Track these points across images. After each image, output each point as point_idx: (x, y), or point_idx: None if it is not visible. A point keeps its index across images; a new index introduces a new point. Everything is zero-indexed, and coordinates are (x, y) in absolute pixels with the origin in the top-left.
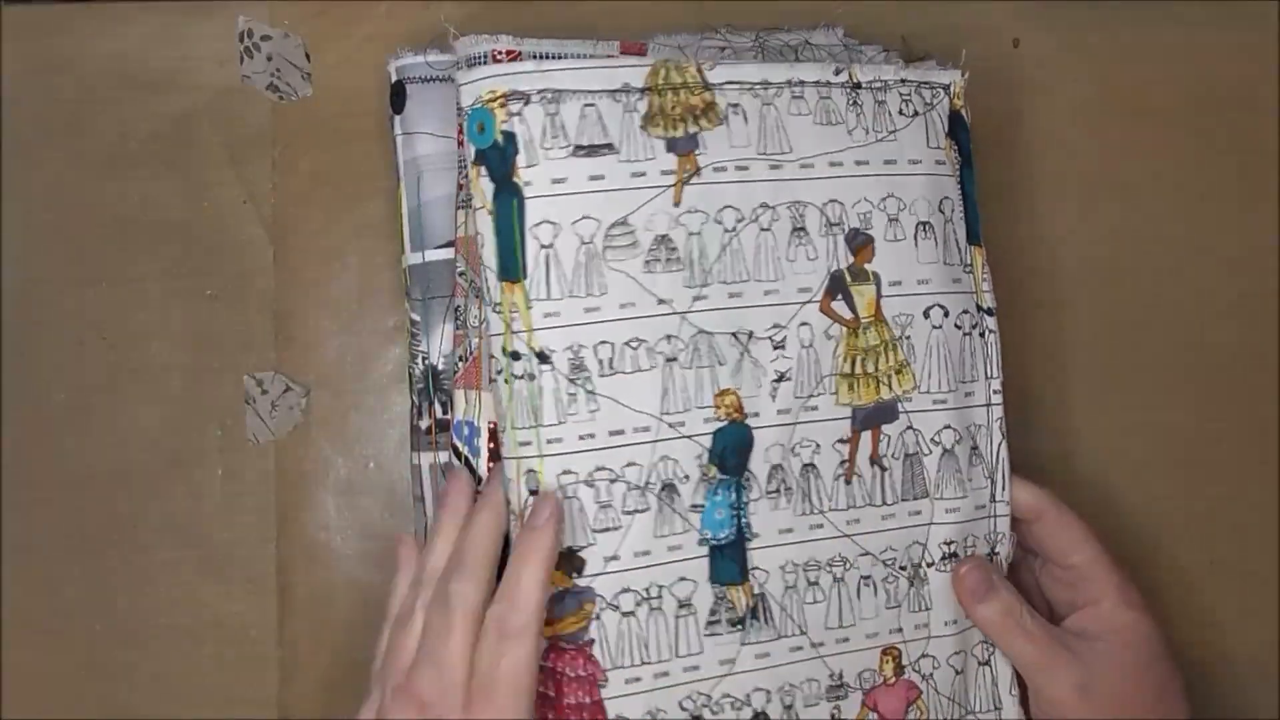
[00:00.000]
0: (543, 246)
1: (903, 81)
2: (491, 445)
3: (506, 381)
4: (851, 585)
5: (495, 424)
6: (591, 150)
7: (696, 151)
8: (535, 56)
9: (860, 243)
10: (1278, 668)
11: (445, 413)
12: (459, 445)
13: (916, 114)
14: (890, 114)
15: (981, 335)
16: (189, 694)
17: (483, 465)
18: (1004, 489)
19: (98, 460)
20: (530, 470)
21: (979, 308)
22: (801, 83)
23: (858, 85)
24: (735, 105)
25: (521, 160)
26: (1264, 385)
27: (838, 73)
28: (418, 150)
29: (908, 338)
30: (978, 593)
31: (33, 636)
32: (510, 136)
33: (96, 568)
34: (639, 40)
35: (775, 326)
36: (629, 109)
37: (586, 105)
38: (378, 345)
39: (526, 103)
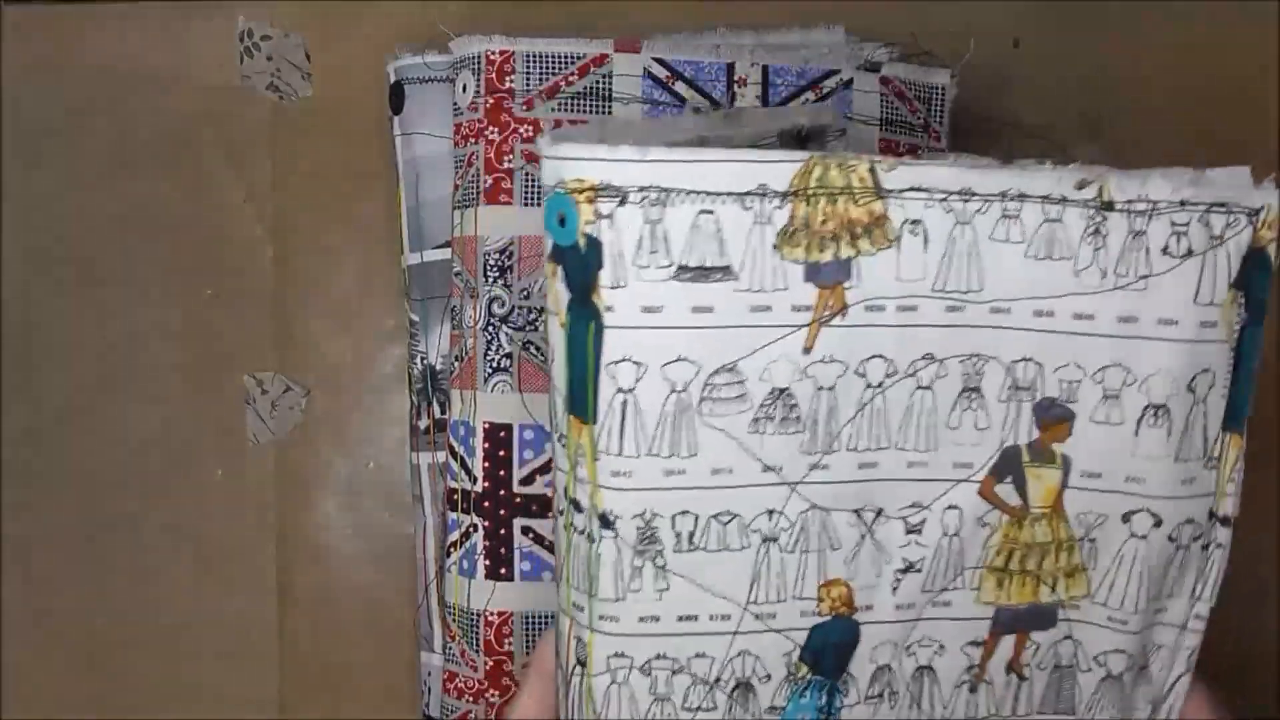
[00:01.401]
0: (620, 390)
1: (1181, 205)
2: (486, 445)
3: (566, 529)
4: None
5: (490, 424)
6: (701, 273)
7: (846, 284)
8: (528, 56)
9: (1055, 417)
10: (1277, 665)
11: (444, 413)
12: (455, 445)
13: (1190, 253)
14: (1148, 251)
15: (1204, 548)
16: (189, 694)
17: (478, 465)
18: None
19: (98, 460)
20: (579, 639)
21: (1212, 514)
22: (1023, 196)
23: (1108, 205)
24: (916, 222)
25: (606, 277)
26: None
27: (1081, 186)
28: (416, 150)
29: (1092, 540)
30: None
31: (33, 636)
32: (595, 244)
33: (96, 568)
34: (634, 39)
35: (914, 506)
36: (761, 220)
37: (703, 212)
38: (378, 345)
39: (622, 202)
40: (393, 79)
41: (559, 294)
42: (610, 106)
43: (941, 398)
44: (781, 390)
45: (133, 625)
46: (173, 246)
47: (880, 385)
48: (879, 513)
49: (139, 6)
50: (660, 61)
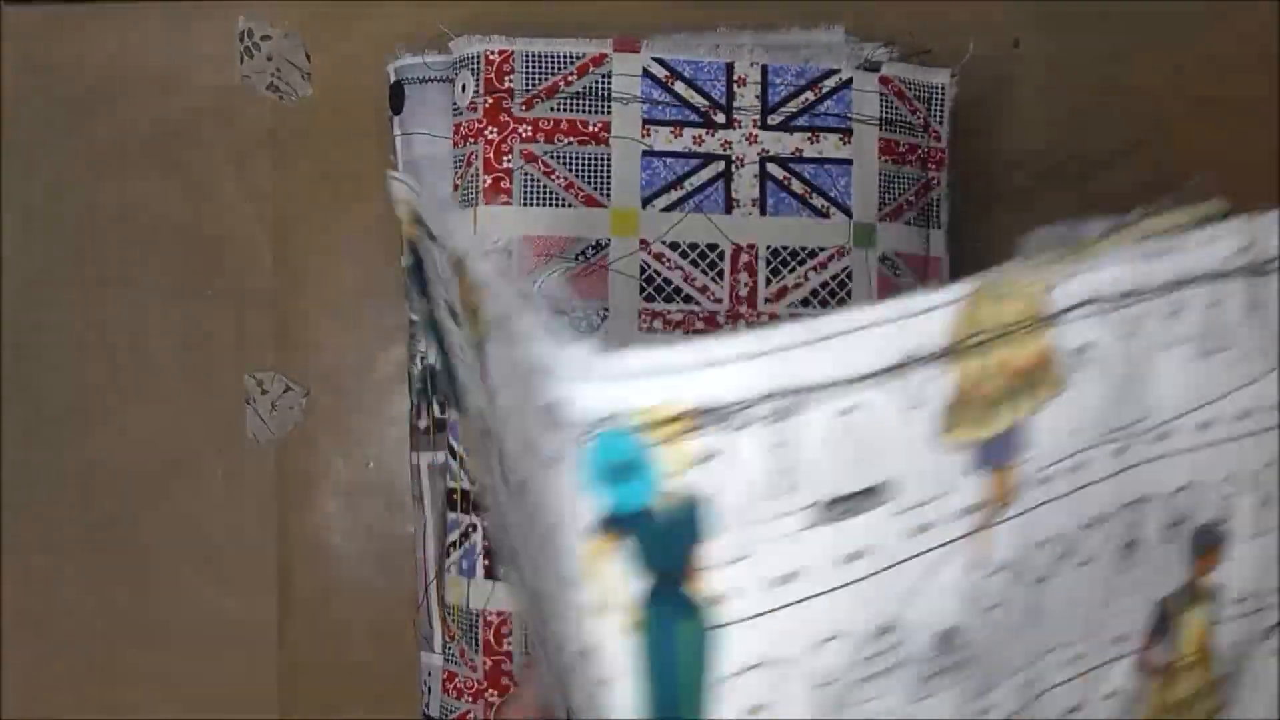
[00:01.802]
0: (752, 710)
1: None
2: None
3: None
4: None
5: None
6: (852, 505)
7: (1018, 459)
8: (527, 55)
9: (1208, 543)
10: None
11: (444, 413)
12: (454, 445)
13: None
14: None
15: None
16: (189, 694)
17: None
18: None
19: (98, 460)
20: None
21: None
22: (1189, 280)
23: (1259, 270)
24: (1083, 350)
25: (718, 553)
26: None
27: (1243, 251)
28: (416, 150)
29: (1234, 674)
30: None
31: (33, 636)
32: (691, 506)
33: (96, 568)
34: (634, 39)
35: (1070, 711)
36: (917, 404)
37: (845, 413)
38: (378, 345)
39: (737, 428)
40: (393, 79)
41: (620, 588)
42: (610, 106)
43: (1102, 568)
44: (947, 632)
45: (133, 625)
46: (173, 246)
47: (1046, 578)
48: None
49: (139, 6)
50: (659, 61)
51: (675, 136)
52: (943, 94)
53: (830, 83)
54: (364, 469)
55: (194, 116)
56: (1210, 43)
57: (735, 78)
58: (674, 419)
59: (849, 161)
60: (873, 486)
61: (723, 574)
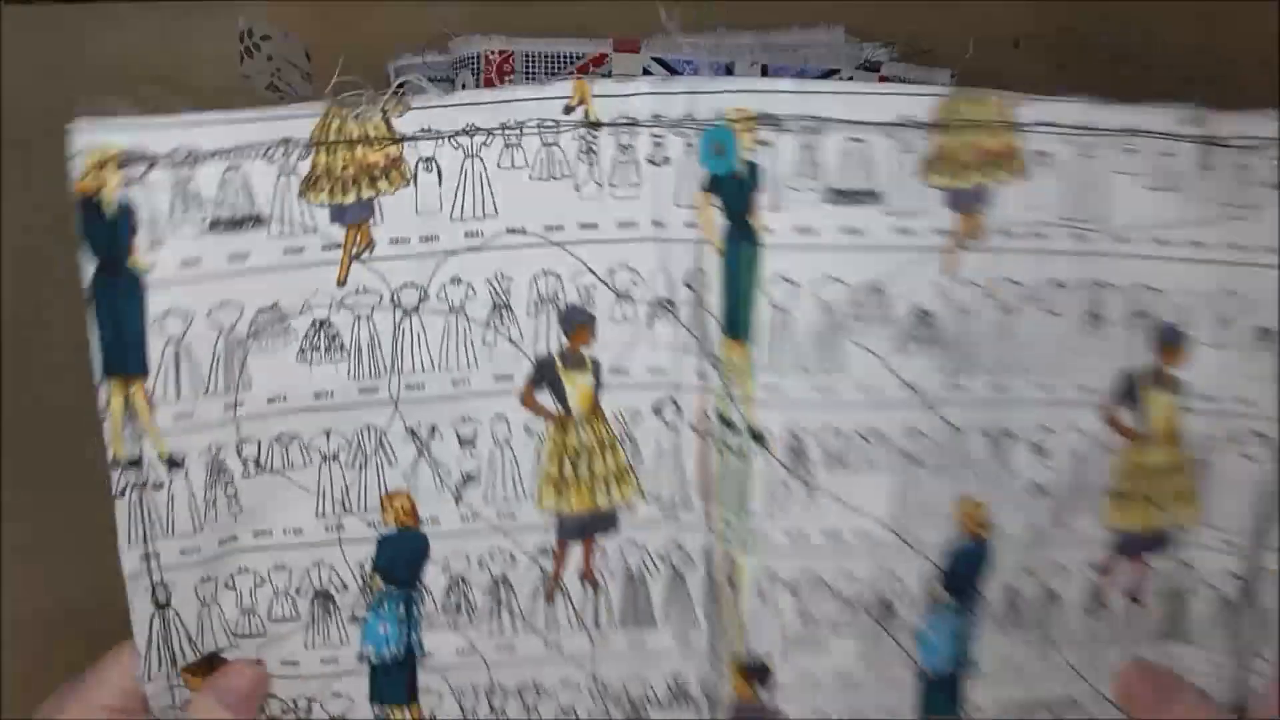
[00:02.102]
0: (775, 307)
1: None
2: None
3: (719, 451)
4: None
5: None
6: (851, 196)
7: (984, 210)
8: (528, 55)
9: (1172, 342)
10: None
11: None
12: None
13: None
14: (1254, 184)
15: None
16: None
17: None
18: (1272, 648)
19: (98, 460)
20: (728, 555)
21: None
22: (1139, 132)
23: (1215, 141)
24: (1044, 154)
25: (764, 201)
26: None
27: (1189, 122)
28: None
29: (1207, 462)
30: (1158, 696)
31: (33, 636)
32: (754, 170)
33: (96, 568)
34: (633, 39)
35: (1042, 430)
36: (906, 149)
37: (852, 140)
38: None
39: (780, 128)
40: (393, 79)
41: (715, 223)
42: None
43: (1068, 324)
44: (925, 312)
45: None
46: None
47: (1013, 310)
48: (1008, 434)
49: (139, 6)
50: (659, 61)
51: None
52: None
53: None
54: None
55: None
56: (1210, 43)
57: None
58: (750, 119)
59: None
60: (870, 190)
61: (771, 215)
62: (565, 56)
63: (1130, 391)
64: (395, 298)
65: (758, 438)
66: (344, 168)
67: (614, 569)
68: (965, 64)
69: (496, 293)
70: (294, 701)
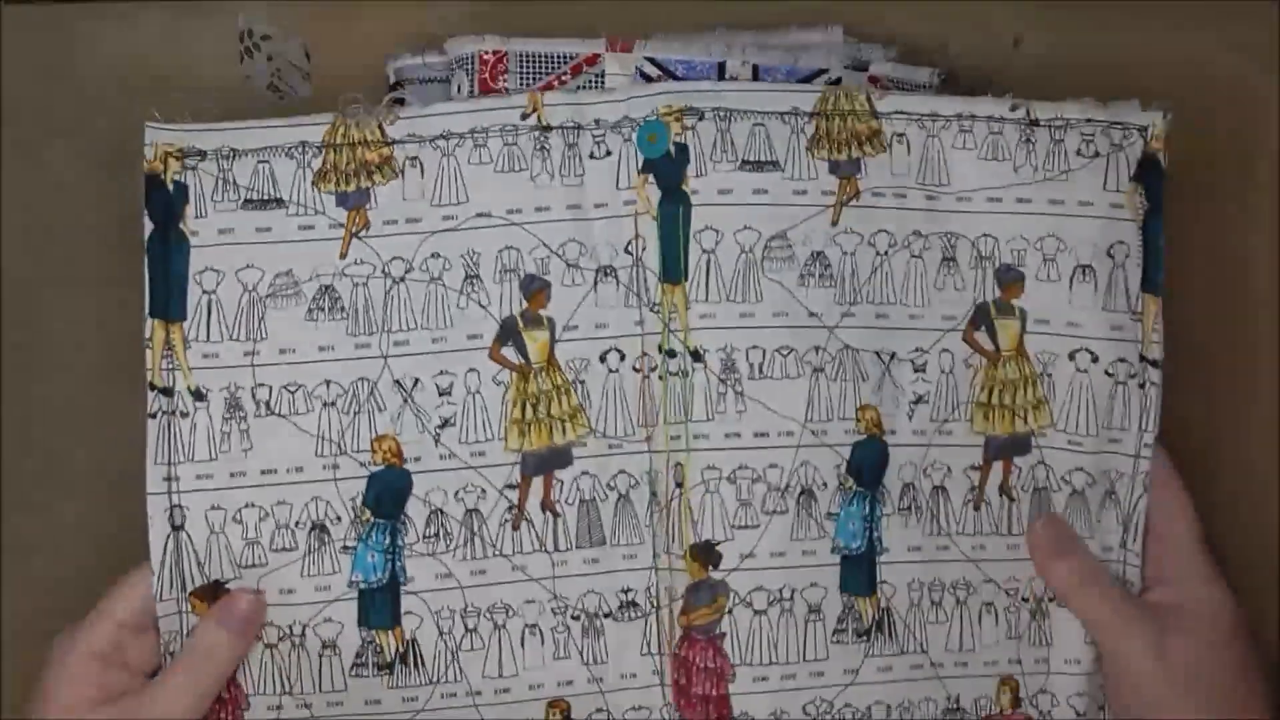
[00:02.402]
0: (705, 251)
1: (1088, 121)
2: None
3: (661, 379)
4: (974, 610)
5: None
6: (757, 166)
7: (858, 176)
8: (522, 55)
9: (1010, 279)
10: (1277, 662)
11: None
12: None
13: (1098, 155)
14: (1066, 153)
15: (1141, 386)
16: None
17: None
18: (1135, 539)
19: (98, 460)
20: (678, 464)
21: (1142, 358)
22: (973, 117)
23: (1034, 122)
24: (900, 135)
25: (691, 170)
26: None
27: (1014, 109)
28: None
29: (1049, 375)
30: (1055, 549)
31: (33, 636)
32: (683, 149)
33: (96, 568)
34: (629, 38)
35: (917, 350)
36: (796, 131)
37: (756, 125)
38: None
39: (701, 118)
40: (392, 79)
41: (649, 196)
42: None
43: (929, 265)
44: (818, 253)
45: None
46: None
47: (886, 253)
48: (893, 355)
49: (139, 6)
50: (652, 60)
51: None
52: (930, 92)
53: (819, 82)
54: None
55: (194, 116)
56: (1211, 42)
57: (727, 77)
58: (676, 111)
59: None
60: (770, 161)
61: (696, 180)
62: (558, 57)
63: (984, 319)
64: (386, 269)
65: (696, 357)
66: (347, 164)
67: (569, 498)
68: (964, 64)
69: (468, 265)
70: (289, 627)
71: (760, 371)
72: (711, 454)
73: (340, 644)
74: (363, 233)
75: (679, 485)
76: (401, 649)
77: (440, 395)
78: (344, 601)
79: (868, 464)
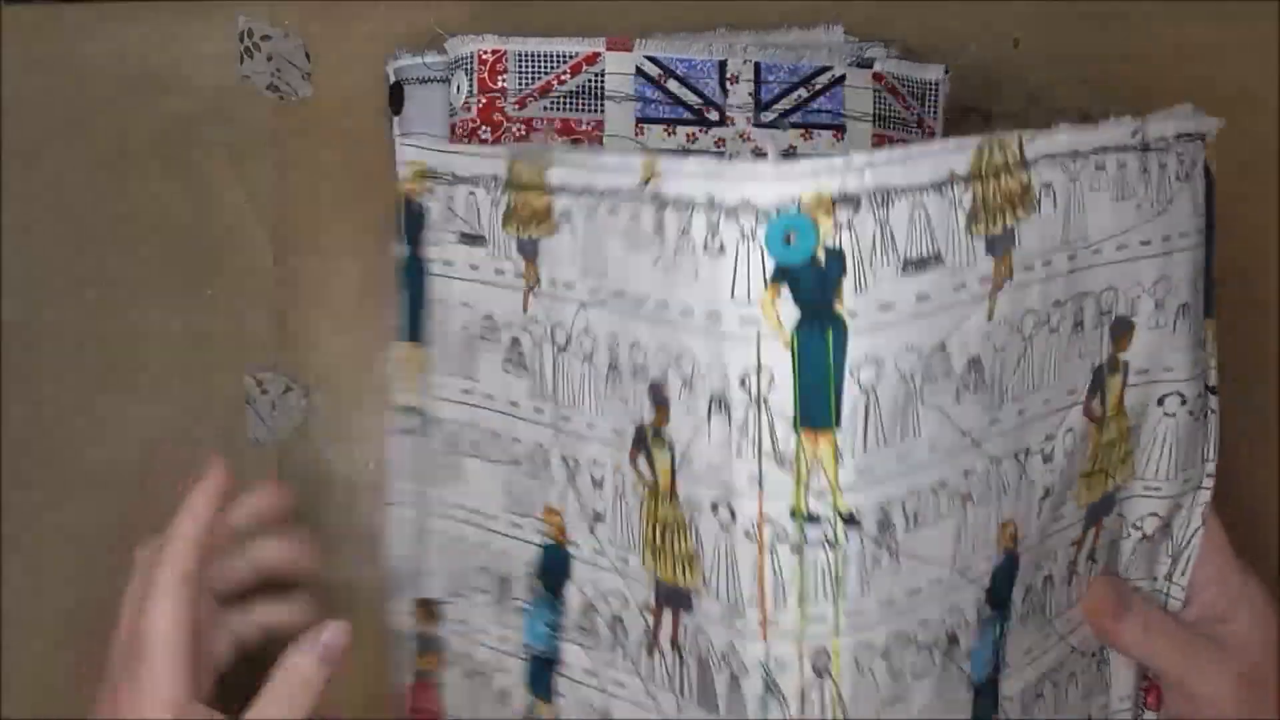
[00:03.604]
0: (863, 390)
1: (1178, 137)
2: None
3: (795, 551)
4: (1064, 687)
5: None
6: (920, 264)
7: (1012, 248)
8: (520, 55)
9: (1123, 330)
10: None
11: None
12: None
13: (1187, 176)
14: (1170, 179)
15: (1205, 416)
16: None
17: None
18: (1183, 573)
19: (98, 460)
20: (820, 649)
21: (1207, 387)
22: (1104, 149)
23: (1147, 147)
24: (1048, 185)
25: (849, 285)
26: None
27: (1134, 134)
28: None
29: (1137, 428)
30: (1116, 609)
31: (33, 636)
32: (836, 255)
33: (96, 568)
34: (628, 37)
35: (1047, 438)
36: (955, 204)
37: (916, 207)
38: (378, 345)
39: (857, 209)
40: (392, 79)
41: (781, 315)
42: (603, 105)
43: (1063, 337)
44: (974, 359)
45: None
46: (173, 246)
47: (1029, 337)
48: (1027, 451)
49: (139, 6)
50: (652, 60)
51: (668, 134)
52: (936, 90)
53: (823, 80)
54: (364, 469)
55: (194, 116)
56: (1211, 42)
57: (728, 75)
58: (828, 200)
59: None
60: (933, 254)
61: (855, 299)
62: (558, 56)
63: (1099, 383)
64: (551, 333)
65: (850, 521)
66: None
67: (690, 647)
68: (963, 64)
69: (611, 352)
70: (482, 664)
71: (916, 521)
72: (867, 632)
73: (513, 696)
74: (535, 288)
75: (821, 674)
76: None
77: (595, 487)
78: (518, 659)
79: (1003, 584)
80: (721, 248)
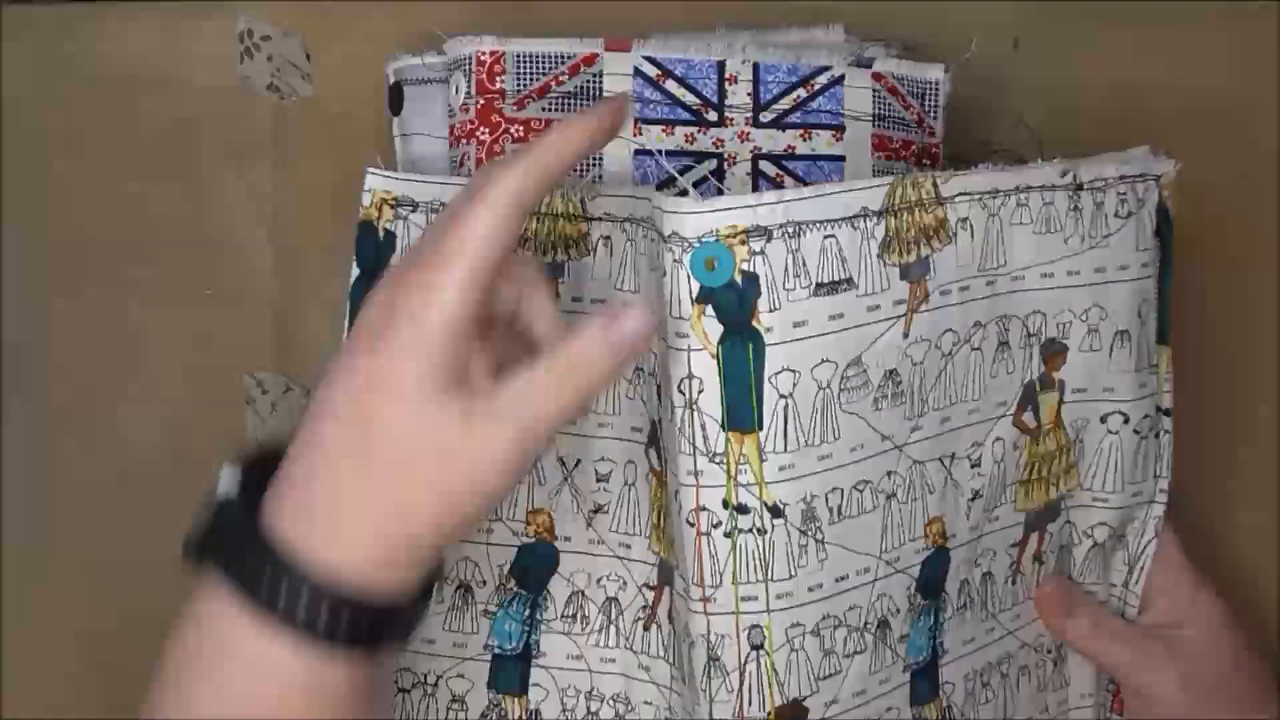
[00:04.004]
0: (782, 396)
1: (1121, 178)
2: None
3: (728, 535)
4: (1013, 679)
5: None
6: (832, 287)
7: (927, 277)
8: (519, 56)
9: (1054, 351)
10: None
11: None
12: None
13: (1130, 214)
14: (1106, 217)
15: (1156, 436)
16: None
17: None
18: (1138, 581)
19: (98, 461)
20: (755, 625)
21: (1158, 409)
22: (1028, 188)
23: (1080, 187)
24: (964, 220)
25: (763, 304)
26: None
27: (1064, 175)
28: (415, 151)
29: (1080, 441)
30: (1064, 607)
31: (33, 637)
32: (751, 278)
33: (96, 568)
34: (626, 38)
35: (974, 445)
36: (867, 236)
37: (827, 237)
38: None
39: (769, 239)
40: (392, 80)
41: (708, 331)
42: None
43: (986, 355)
44: (891, 371)
45: (133, 626)
46: (173, 246)
47: (950, 354)
48: (953, 456)
49: (139, 6)
50: (650, 60)
51: (667, 135)
52: (937, 89)
53: (822, 80)
54: None
55: (194, 116)
56: (1210, 42)
57: (726, 75)
58: (741, 232)
59: (841, 158)
60: (845, 279)
61: (769, 316)
62: (556, 57)
63: (1031, 398)
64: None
65: (776, 512)
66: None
67: (676, 618)
68: (963, 64)
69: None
70: (424, 675)
71: (839, 514)
72: (795, 611)
73: (469, 701)
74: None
75: (756, 648)
76: (525, 717)
77: (597, 481)
78: (477, 661)
79: (934, 576)
80: (664, 272)
